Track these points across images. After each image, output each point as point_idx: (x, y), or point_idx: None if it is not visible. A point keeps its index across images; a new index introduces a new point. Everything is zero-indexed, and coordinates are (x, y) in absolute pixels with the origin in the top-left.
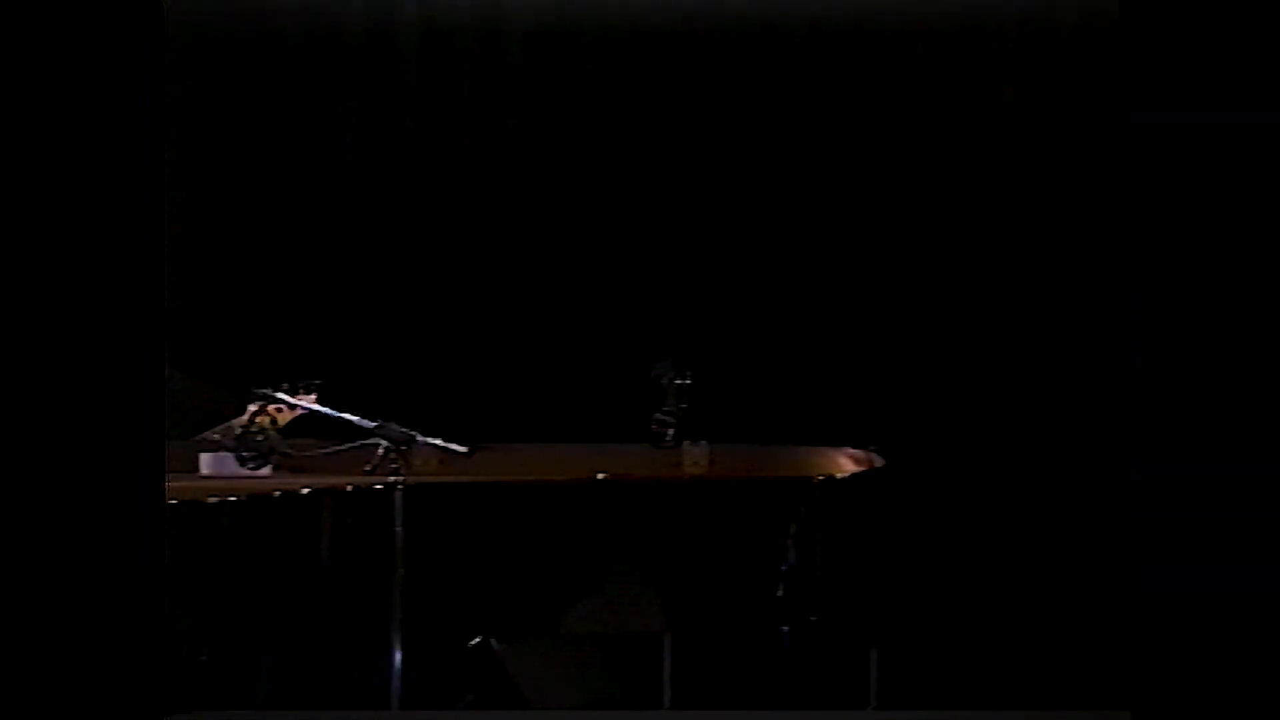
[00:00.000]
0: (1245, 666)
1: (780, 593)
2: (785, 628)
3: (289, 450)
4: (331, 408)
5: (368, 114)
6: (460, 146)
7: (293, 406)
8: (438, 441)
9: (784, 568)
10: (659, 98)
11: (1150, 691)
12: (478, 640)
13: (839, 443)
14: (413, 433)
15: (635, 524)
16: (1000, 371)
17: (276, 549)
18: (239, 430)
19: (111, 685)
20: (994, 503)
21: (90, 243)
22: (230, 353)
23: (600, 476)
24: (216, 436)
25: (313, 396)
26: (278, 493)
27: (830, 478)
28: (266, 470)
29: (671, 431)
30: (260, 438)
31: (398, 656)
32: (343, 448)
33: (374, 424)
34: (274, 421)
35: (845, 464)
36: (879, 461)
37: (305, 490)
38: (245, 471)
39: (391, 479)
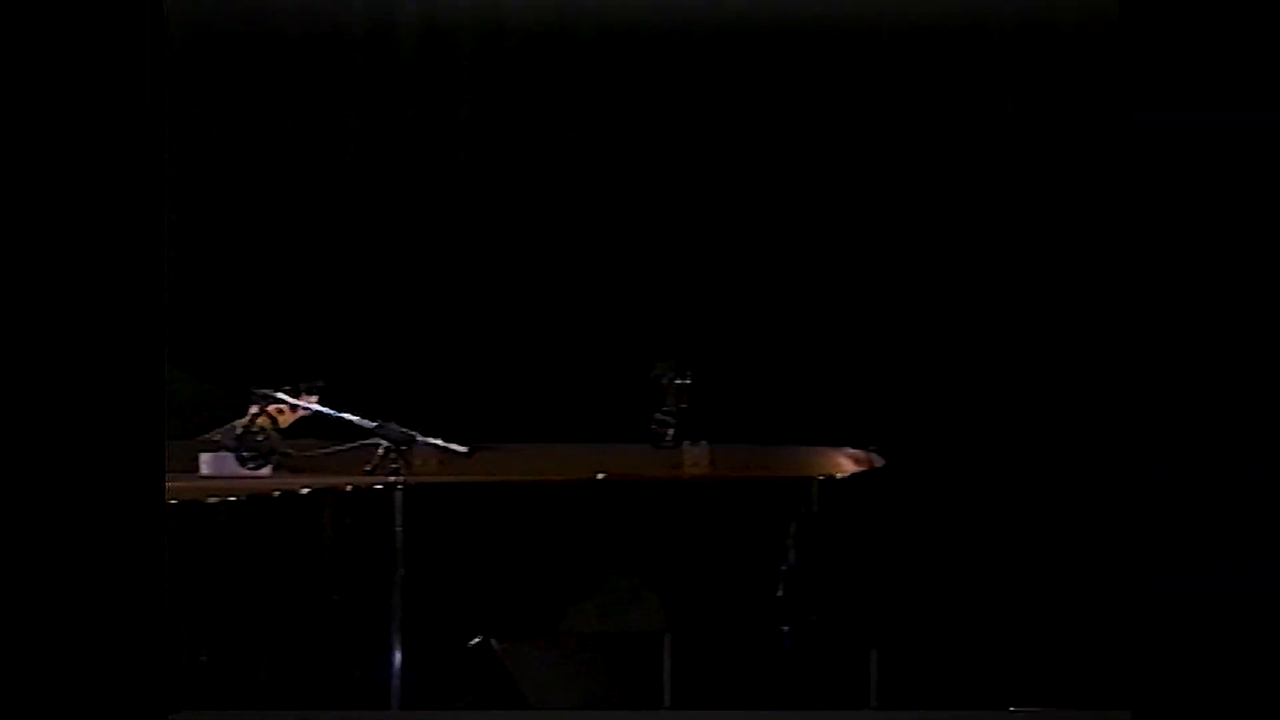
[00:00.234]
0: (1245, 666)
1: (780, 593)
2: (785, 628)
3: (289, 450)
4: (332, 408)
5: (368, 114)
6: (460, 147)
7: (294, 408)
8: (438, 441)
9: (784, 568)
10: (659, 98)
11: (1150, 691)
12: (478, 640)
13: (839, 443)
14: (413, 433)
15: (635, 524)
16: (1000, 372)
17: (276, 549)
18: (239, 430)
19: (111, 685)
20: (994, 503)
21: (90, 243)
22: (230, 353)
23: (600, 476)
24: (217, 437)
25: (315, 398)
26: (278, 493)
27: (830, 478)
28: (266, 470)
29: (671, 431)
30: (260, 438)
31: (398, 656)
32: (343, 448)
33: (374, 424)
34: (275, 422)
35: (845, 464)
36: (879, 461)
37: (305, 490)
38: (245, 471)
39: (391, 479)
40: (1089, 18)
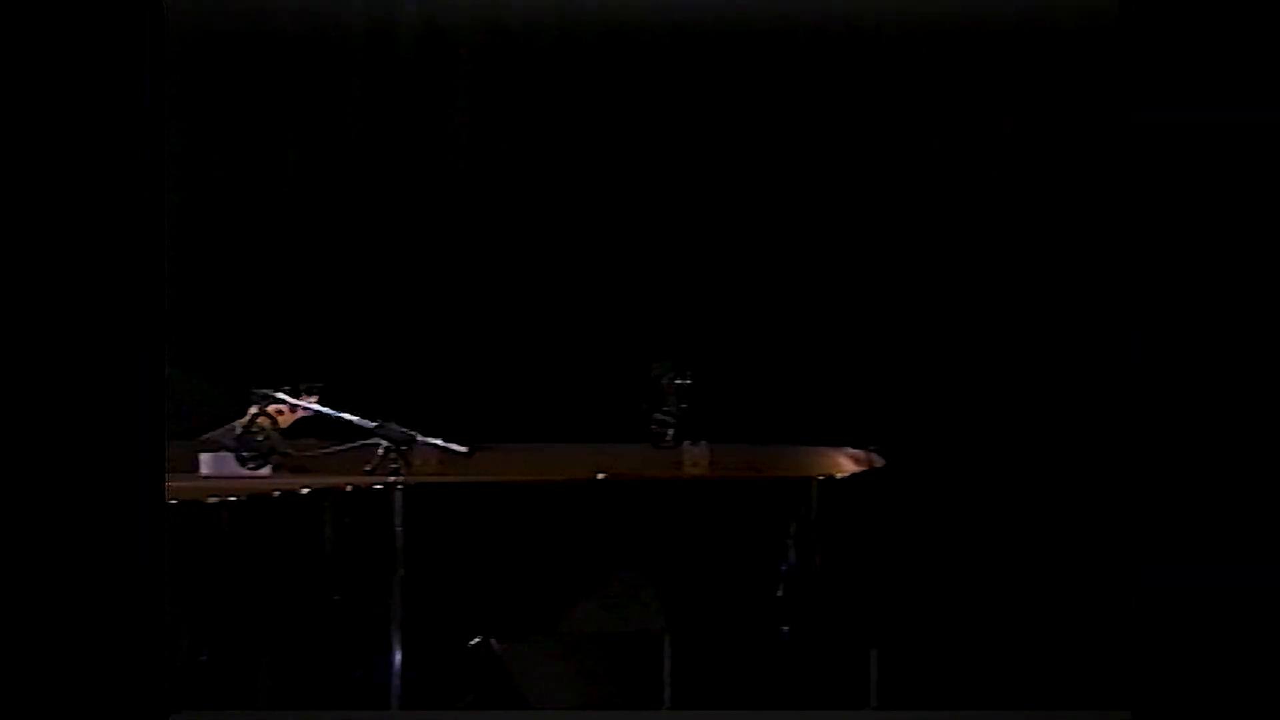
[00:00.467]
0: (1245, 666)
1: (780, 593)
2: (785, 628)
3: (289, 450)
4: (332, 408)
5: (368, 114)
6: (460, 147)
7: (294, 407)
8: (438, 441)
9: (784, 568)
10: (659, 98)
11: (1150, 691)
12: (478, 640)
13: (839, 443)
14: (413, 433)
15: (635, 524)
16: (1000, 372)
17: (276, 549)
18: (239, 430)
19: (111, 685)
20: (994, 503)
21: (90, 243)
22: (230, 353)
23: (600, 476)
24: (217, 437)
25: (314, 398)
26: (278, 493)
27: (830, 478)
28: (266, 470)
29: (671, 431)
30: (260, 438)
31: (398, 656)
32: (343, 448)
33: (374, 424)
34: (275, 422)
35: (845, 464)
36: (879, 461)
37: (305, 490)
38: (245, 471)
39: (391, 479)
40: (1089, 18)
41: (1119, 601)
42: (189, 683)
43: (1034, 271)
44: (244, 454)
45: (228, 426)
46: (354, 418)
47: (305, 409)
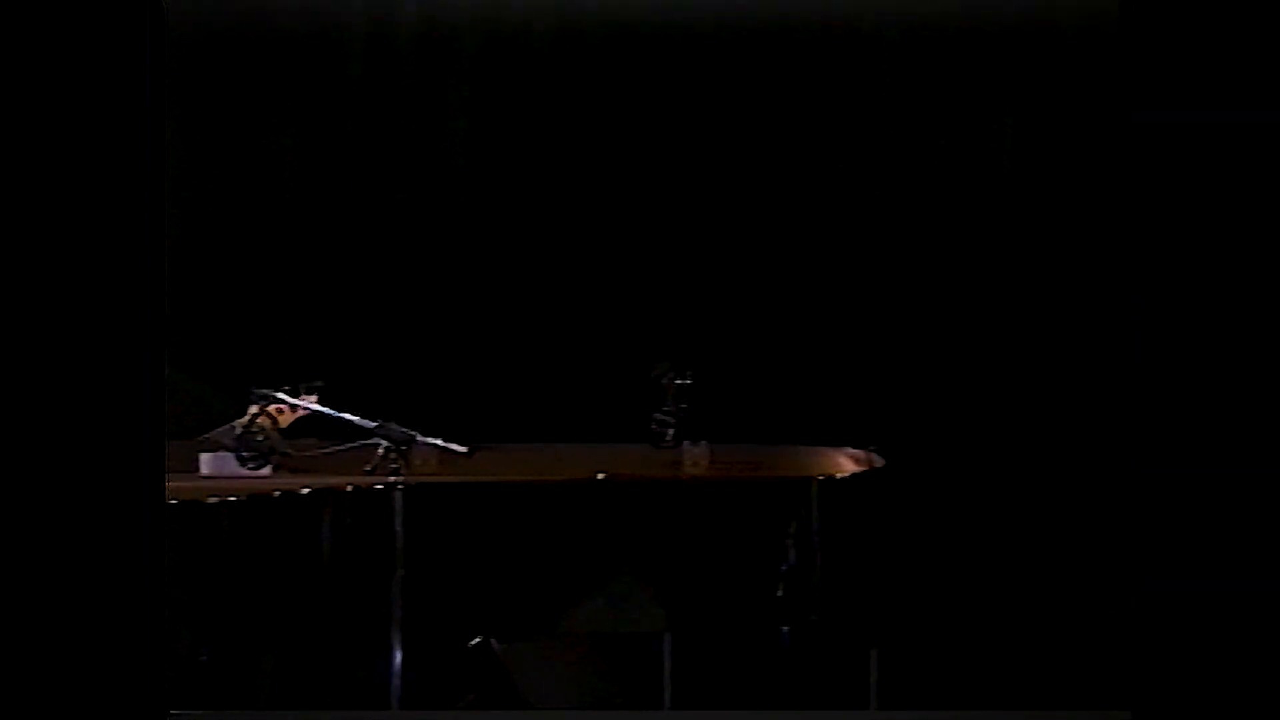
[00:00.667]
0: (1245, 666)
1: (780, 593)
2: (785, 628)
3: (289, 450)
4: (332, 408)
5: (367, 114)
6: (460, 147)
7: (294, 407)
8: (438, 441)
9: (784, 568)
10: (660, 98)
11: (1150, 691)
12: (478, 640)
13: (839, 443)
14: (413, 433)
15: (635, 524)
16: (1000, 372)
17: (276, 549)
18: (239, 430)
19: (111, 685)
20: (994, 503)
21: (90, 242)
22: (230, 353)
23: (600, 476)
24: (217, 437)
25: (314, 397)
26: (278, 493)
27: (830, 478)
28: (266, 470)
29: (671, 431)
30: (260, 438)
31: (398, 656)
32: (343, 448)
33: (374, 424)
34: (274, 422)
35: (845, 464)
36: (879, 461)
37: (305, 490)
38: (245, 471)
39: (391, 479)
40: (1089, 18)
41: (1119, 601)
42: (189, 683)
43: (1034, 272)
44: (244, 454)
45: (227, 426)
46: (354, 418)
47: (305, 409)
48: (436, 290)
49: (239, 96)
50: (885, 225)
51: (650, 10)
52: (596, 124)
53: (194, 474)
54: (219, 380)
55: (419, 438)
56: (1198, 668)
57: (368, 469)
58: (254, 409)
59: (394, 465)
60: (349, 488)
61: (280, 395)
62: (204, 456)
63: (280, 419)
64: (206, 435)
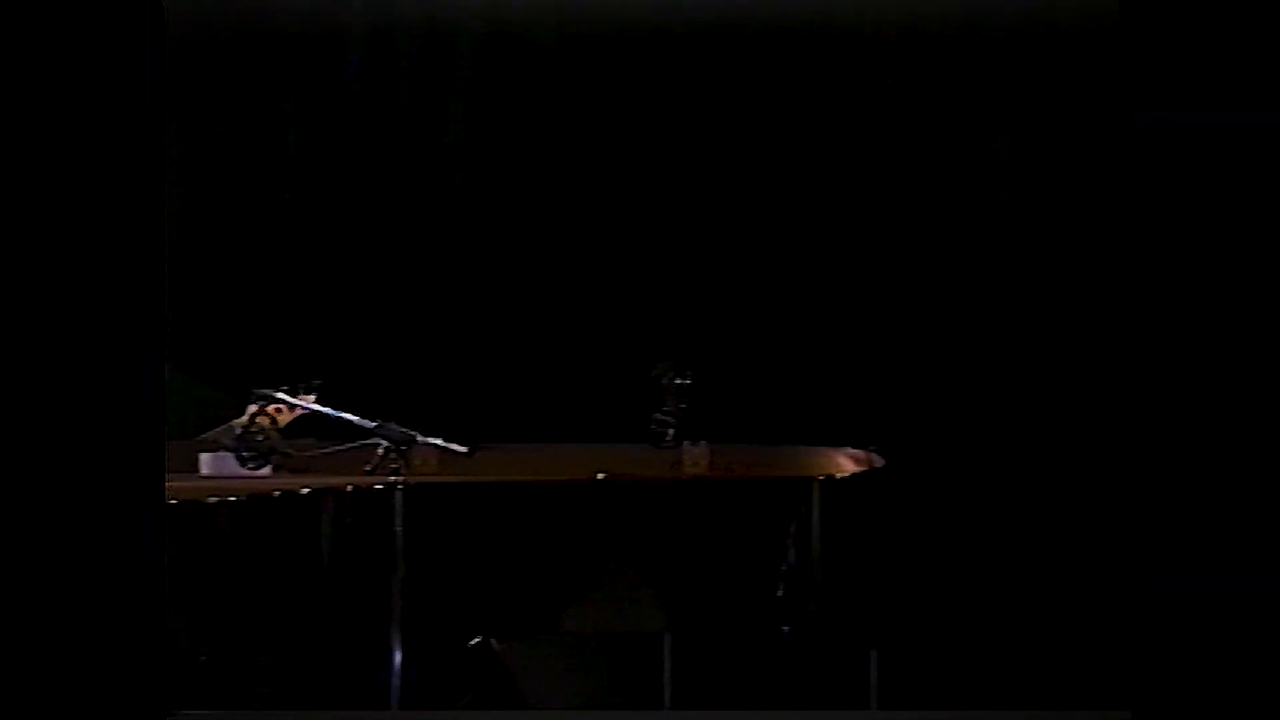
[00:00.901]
0: (1245, 666)
1: (780, 593)
2: (785, 628)
3: (289, 450)
4: (332, 408)
5: (367, 114)
6: (460, 147)
7: (293, 407)
8: (438, 441)
9: (784, 568)
10: (660, 98)
11: (1150, 691)
12: (478, 640)
13: (839, 443)
14: (413, 433)
15: (635, 524)
16: (1000, 372)
17: (276, 549)
18: (239, 430)
19: (111, 685)
20: (994, 503)
21: (90, 242)
22: (230, 353)
23: (600, 476)
24: (217, 437)
25: (313, 397)
26: (278, 493)
27: (830, 478)
28: (266, 470)
29: (671, 431)
30: (260, 438)
31: (398, 656)
32: (343, 448)
33: (374, 424)
34: (274, 421)
35: (845, 464)
36: (879, 461)
37: (305, 490)
38: (245, 471)
39: (391, 479)
40: (1089, 18)
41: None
42: (189, 683)
43: (1034, 272)
44: (244, 454)
45: (227, 426)
46: (353, 417)
47: (304, 408)
48: (436, 290)
49: (239, 96)
50: (885, 225)
51: (651, 10)
52: (597, 124)
53: (194, 474)
54: (219, 380)
55: (419, 438)
56: (1198, 668)
57: (368, 469)
58: (253, 408)
59: (394, 465)
60: (349, 488)
61: (279, 395)
62: (204, 456)
63: (279, 418)
64: (206, 435)
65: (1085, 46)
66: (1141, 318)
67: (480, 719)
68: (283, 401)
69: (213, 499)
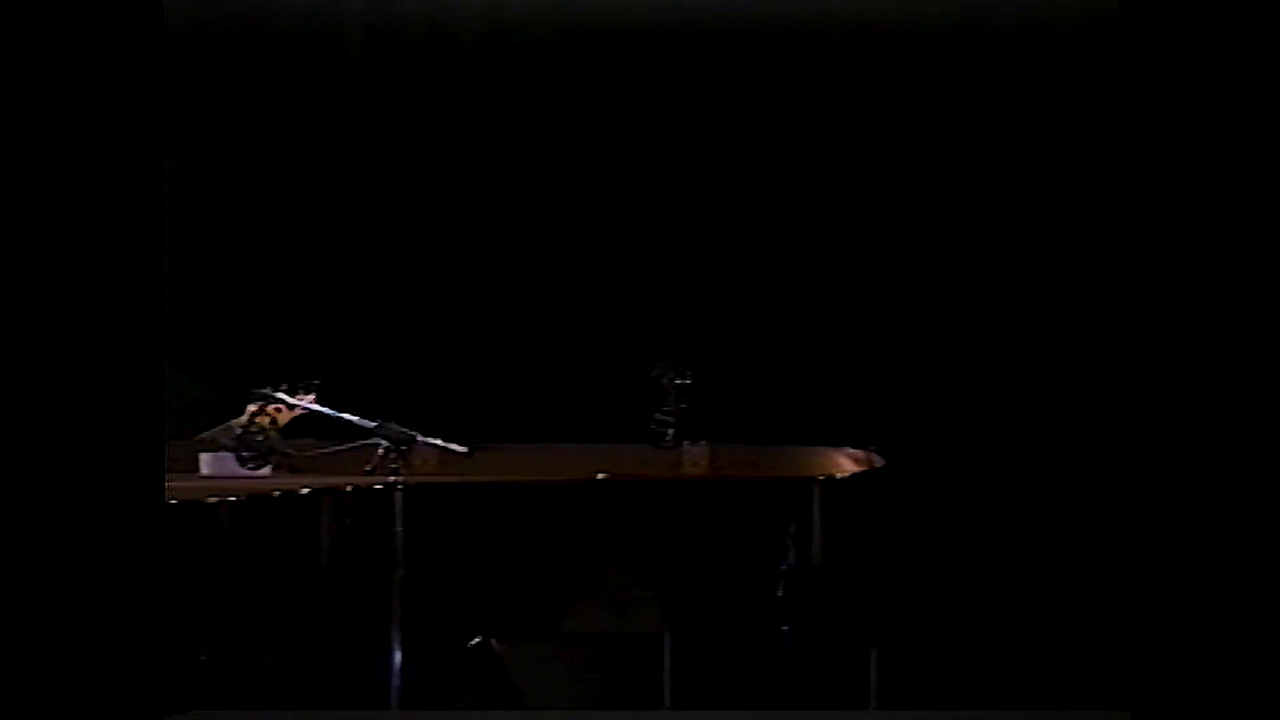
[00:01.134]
0: (1245, 666)
1: (780, 593)
2: (785, 628)
3: (289, 450)
4: (331, 408)
5: (367, 114)
6: (461, 146)
7: (292, 406)
8: (438, 441)
9: (784, 568)
10: (661, 98)
11: (1150, 691)
12: (478, 640)
13: (839, 443)
14: (413, 433)
15: (635, 524)
16: (1000, 372)
17: (276, 549)
18: (239, 430)
19: (111, 685)
20: (994, 503)
21: (90, 242)
22: (230, 353)
23: (600, 476)
24: (216, 437)
25: (312, 396)
26: (278, 493)
27: (830, 478)
28: (266, 470)
29: (671, 431)
30: (260, 438)
31: (398, 656)
32: (343, 448)
33: (374, 424)
34: (274, 421)
35: (845, 464)
36: (879, 461)
37: (305, 490)
38: (245, 471)
39: (391, 479)
40: (1089, 18)
41: (1119, 601)
42: (189, 683)
43: (1034, 271)
44: (244, 454)
45: (226, 426)
46: (353, 417)
47: (304, 408)
48: (436, 290)
49: (239, 96)
50: (885, 225)
51: (651, 10)
52: (597, 124)
53: (194, 474)
54: (219, 380)
55: (419, 438)
56: (1198, 668)
57: (368, 469)
58: (252, 408)
59: (394, 465)
60: (349, 488)
61: (279, 395)
62: (204, 456)
63: (279, 418)
64: (206, 435)
65: (1085, 46)
66: (1141, 318)
67: (480, 719)
68: (282, 401)
69: (213, 499)
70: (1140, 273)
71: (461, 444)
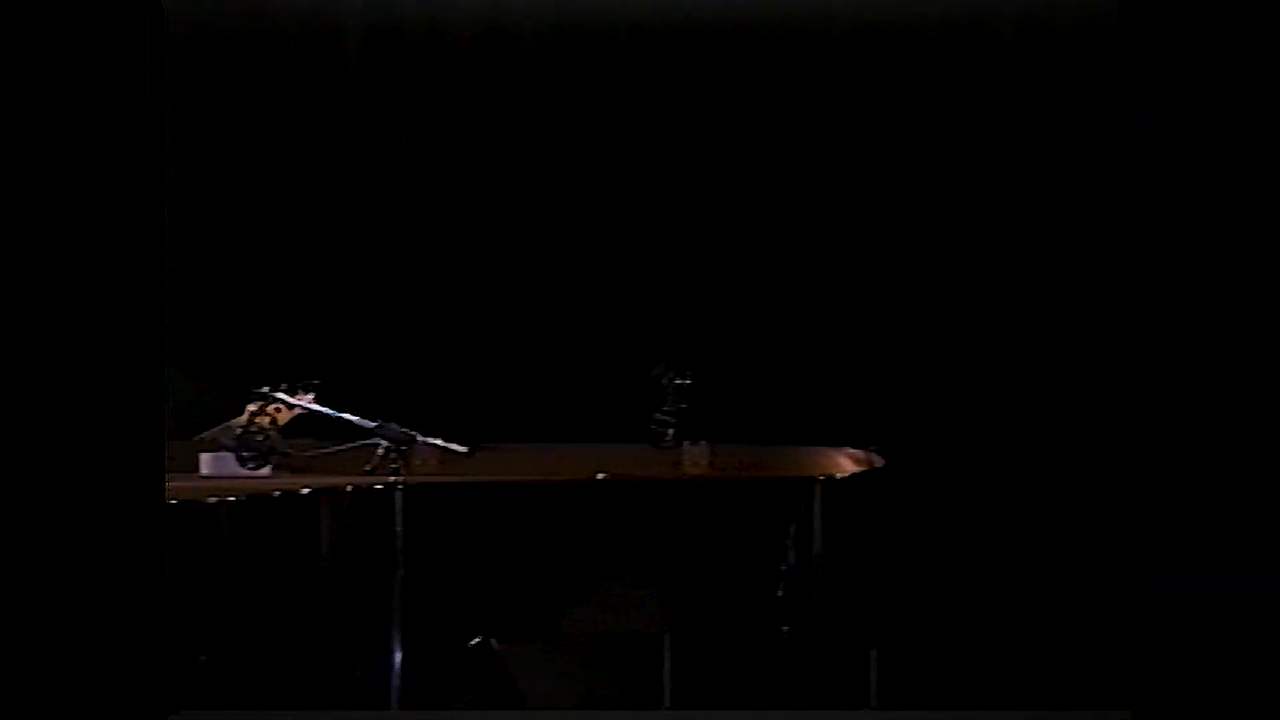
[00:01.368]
0: (1245, 666)
1: (780, 593)
2: (785, 628)
3: (289, 450)
4: (331, 408)
5: (367, 114)
6: (461, 147)
7: (292, 406)
8: (438, 441)
9: (784, 568)
10: (661, 98)
11: (1150, 691)
12: (478, 640)
13: (839, 443)
14: (413, 433)
15: (635, 524)
16: (1000, 372)
17: (276, 549)
18: (239, 430)
19: (111, 685)
20: (994, 503)
21: (90, 242)
22: (230, 353)
23: (600, 476)
24: (216, 437)
25: (311, 396)
26: (278, 493)
27: (830, 478)
28: (266, 470)
29: (671, 431)
30: (260, 438)
31: (398, 656)
32: (343, 448)
33: (374, 424)
34: (273, 421)
35: (845, 464)
36: (879, 461)
37: (305, 490)
38: (245, 471)
39: (391, 479)
40: (1089, 18)
41: (1119, 601)
42: (189, 683)
43: (1034, 271)
44: (244, 454)
45: (226, 426)
46: (353, 417)
47: (303, 408)
48: (436, 290)
49: (239, 96)
50: (885, 225)
51: (653, 11)
52: (597, 124)
53: (194, 474)
54: (219, 380)
55: (419, 438)
56: (1198, 668)
57: (368, 469)
58: (252, 408)
59: (394, 465)
60: (349, 488)
61: (279, 395)
62: (204, 456)
63: (279, 418)
64: (206, 435)
65: (1085, 46)
66: (1141, 318)
67: (480, 719)
68: (282, 401)
69: (213, 499)
70: (1140, 273)
71: (461, 444)
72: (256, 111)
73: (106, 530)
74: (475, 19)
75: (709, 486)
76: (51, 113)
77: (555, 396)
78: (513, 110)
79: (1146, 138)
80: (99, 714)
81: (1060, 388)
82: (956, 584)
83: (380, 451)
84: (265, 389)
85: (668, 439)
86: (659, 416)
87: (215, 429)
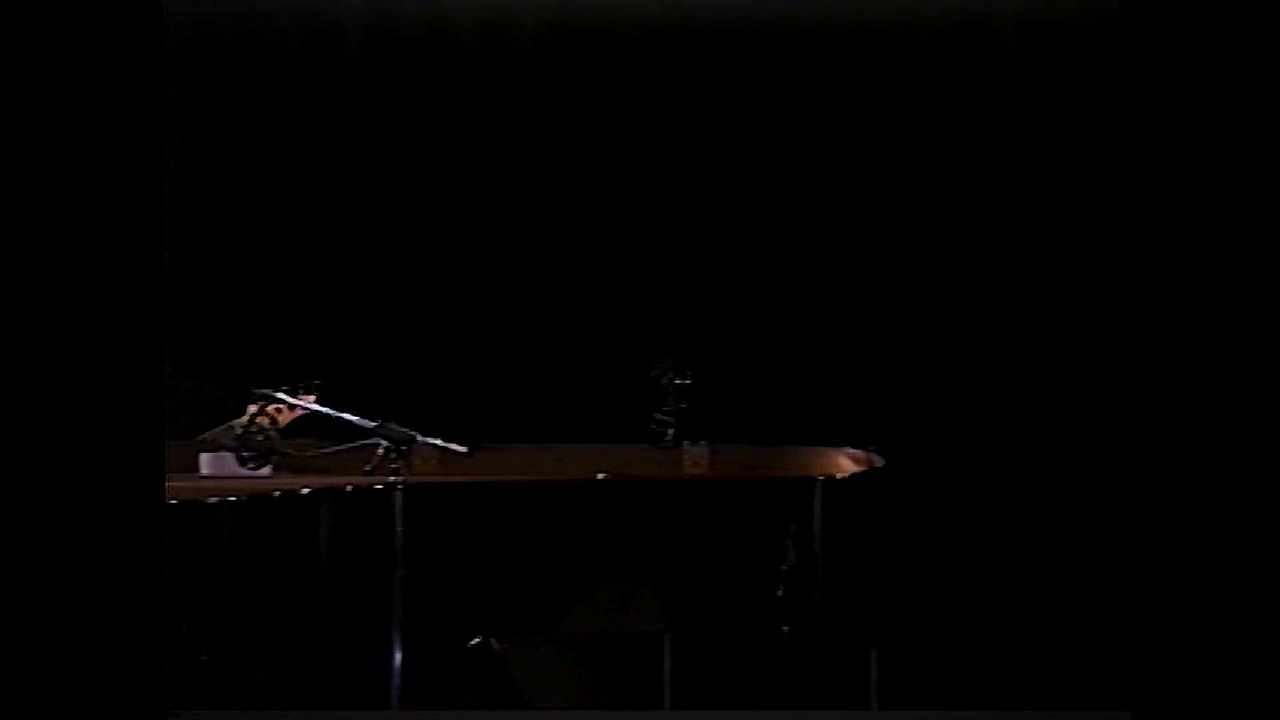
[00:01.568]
0: (1245, 666)
1: (780, 593)
2: (785, 628)
3: (289, 450)
4: (331, 408)
5: (367, 114)
6: (460, 146)
7: (292, 407)
8: (438, 441)
9: (784, 568)
10: (661, 98)
11: (1150, 691)
12: (478, 640)
13: (839, 443)
14: (413, 433)
15: (635, 524)
16: (1000, 372)
17: (276, 549)
18: (239, 430)
19: (111, 685)
20: (994, 503)
21: (90, 242)
22: (230, 353)
23: (600, 476)
24: (216, 437)
25: (312, 396)
26: (278, 493)
27: (830, 478)
28: (266, 470)
29: (671, 431)
30: (260, 438)
31: (398, 656)
32: (343, 448)
33: (374, 424)
34: (274, 421)
35: (845, 464)
36: (879, 461)
37: (305, 490)
38: (245, 471)
39: (391, 479)
40: (1089, 18)
41: (1119, 601)
42: (189, 683)
43: (1034, 271)
44: (244, 454)
45: (226, 426)
46: (353, 417)
47: (304, 408)
48: (436, 290)
49: (239, 96)
50: (885, 225)
51: (654, 10)
52: (597, 123)
53: (194, 474)
54: (219, 380)
55: (419, 438)
56: (1198, 668)
57: (368, 469)
58: (253, 408)
59: (394, 465)
60: (349, 488)
61: (279, 395)
62: (204, 456)
63: (279, 418)
64: (206, 435)
65: (1085, 47)
66: (1141, 318)
67: (480, 719)
68: (282, 401)
69: (213, 499)
70: (1140, 273)
71: (461, 444)
72: (256, 111)
73: (106, 530)
74: (475, 19)
75: (709, 486)
76: (52, 113)
77: (555, 396)
78: (512, 110)
79: (1147, 138)
80: (99, 714)
81: (1060, 388)
82: (956, 584)
83: (380, 451)
84: (266, 389)
85: (668, 439)
86: (659, 416)
87: (216, 429)
